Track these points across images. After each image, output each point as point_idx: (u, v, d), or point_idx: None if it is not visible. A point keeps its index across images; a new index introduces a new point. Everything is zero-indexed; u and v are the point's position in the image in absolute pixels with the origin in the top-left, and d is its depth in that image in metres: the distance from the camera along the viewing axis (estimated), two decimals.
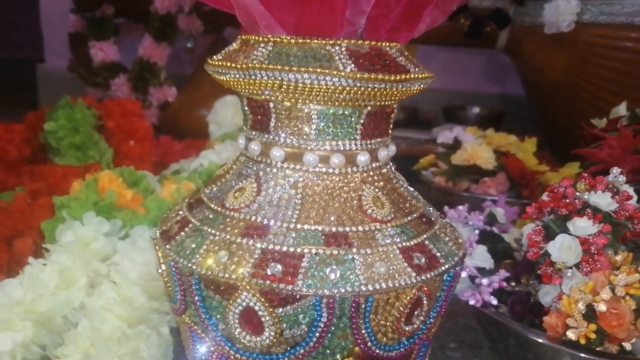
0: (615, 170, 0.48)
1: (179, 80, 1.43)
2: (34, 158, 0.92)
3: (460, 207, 0.57)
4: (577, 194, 0.46)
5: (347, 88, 0.32)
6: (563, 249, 0.43)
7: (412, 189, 0.42)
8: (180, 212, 0.39)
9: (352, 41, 0.34)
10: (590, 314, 0.39)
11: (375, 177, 0.37)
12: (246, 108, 0.38)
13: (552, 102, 1.14)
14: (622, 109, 0.90)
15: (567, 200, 0.45)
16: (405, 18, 0.36)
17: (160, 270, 0.38)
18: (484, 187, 0.83)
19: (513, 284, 0.49)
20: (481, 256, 0.47)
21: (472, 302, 0.45)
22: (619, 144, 0.76)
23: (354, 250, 0.33)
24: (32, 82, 2.13)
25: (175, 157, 1.04)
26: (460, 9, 1.15)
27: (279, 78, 0.32)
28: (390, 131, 0.39)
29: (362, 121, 0.36)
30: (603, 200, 0.44)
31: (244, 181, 0.37)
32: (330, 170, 0.36)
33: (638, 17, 0.98)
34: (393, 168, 0.41)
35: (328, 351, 0.33)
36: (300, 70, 0.32)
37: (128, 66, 1.41)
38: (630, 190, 0.47)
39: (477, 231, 0.53)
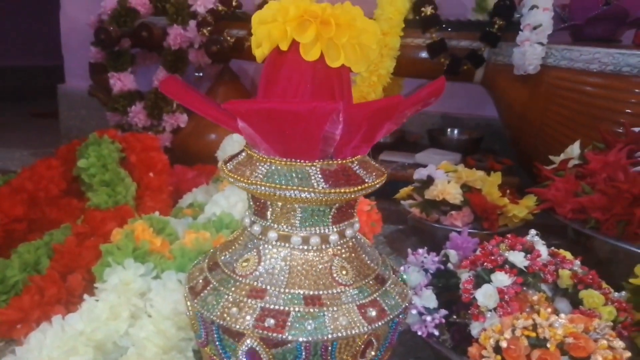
0: (532, 231, 0.62)
1: None
2: (68, 189, 1.07)
3: (420, 251, 0.72)
4: (500, 252, 0.60)
5: (320, 198, 0.47)
6: (486, 296, 0.58)
7: (374, 250, 0.57)
8: (203, 273, 0.54)
9: (325, 161, 0.48)
10: (498, 348, 0.54)
11: (343, 250, 0.52)
12: (250, 200, 0.52)
13: (521, 134, 1.28)
14: (575, 148, 1.04)
15: (493, 257, 0.60)
16: (364, 139, 0.50)
17: (188, 314, 0.53)
18: (451, 219, 0.97)
19: (455, 316, 0.64)
20: (428, 298, 0.62)
21: (419, 333, 0.60)
22: (563, 186, 0.91)
23: (325, 308, 0.48)
24: (52, 92, 2.28)
25: (188, 185, 1.19)
26: (440, 49, 1.28)
27: (273, 192, 0.47)
28: (355, 215, 0.54)
29: (332, 213, 0.50)
30: (517, 258, 0.59)
31: (248, 253, 0.52)
32: (310, 247, 0.50)
33: (593, 64, 1.12)
34: (358, 236, 0.55)
35: None
36: (287, 188, 0.47)
37: (143, 89, 1.55)
38: (543, 248, 0.62)
39: (430, 273, 0.68)
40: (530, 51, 1.16)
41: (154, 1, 1.47)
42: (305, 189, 0.47)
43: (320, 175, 0.48)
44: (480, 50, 1.26)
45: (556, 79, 1.17)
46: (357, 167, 0.50)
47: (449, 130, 1.53)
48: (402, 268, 0.69)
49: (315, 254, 0.50)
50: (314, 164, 0.48)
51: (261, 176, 0.48)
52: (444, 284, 0.69)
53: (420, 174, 1.04)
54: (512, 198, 1.03)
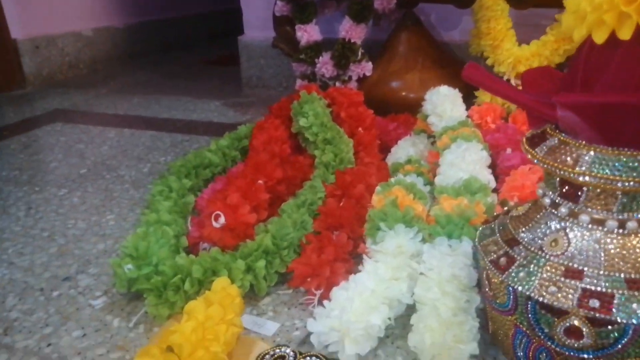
0: None
1: (364, 44, 1.56)
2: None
3: None
4: None
5: None
6: None
7: None
8: (501, 247, 0.58)
9: None
10: None
11: None
12: (556, 182, 0.54)
13: None
14: None
15: None
16: None
17: (488, 285, 0.58)
18: None
19: None
20: None
21: None
22: None
23: None
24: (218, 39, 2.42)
25: (389, 136, 1.23)
26: None
27: (602, 182, 0.48)
28: None
29: None
30: None
31: (555, 234, 0.54)
32: (625, 232, 0.51)
33: None
34: None
35: (625, 354, 0.51)
36: (621, 179, 0.47)
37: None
38: None
39: None
40: None
41: None
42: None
43: None
44: None
45: None
46: None
47: None
48: None
49: (630, 238, 0.51)
50: None
51: (587, 165, 0.49)
52: None
53: None
54: None
